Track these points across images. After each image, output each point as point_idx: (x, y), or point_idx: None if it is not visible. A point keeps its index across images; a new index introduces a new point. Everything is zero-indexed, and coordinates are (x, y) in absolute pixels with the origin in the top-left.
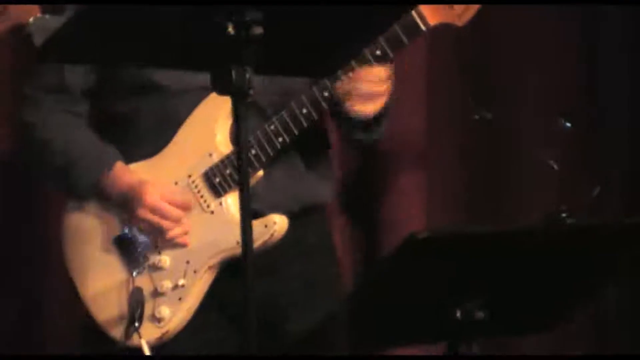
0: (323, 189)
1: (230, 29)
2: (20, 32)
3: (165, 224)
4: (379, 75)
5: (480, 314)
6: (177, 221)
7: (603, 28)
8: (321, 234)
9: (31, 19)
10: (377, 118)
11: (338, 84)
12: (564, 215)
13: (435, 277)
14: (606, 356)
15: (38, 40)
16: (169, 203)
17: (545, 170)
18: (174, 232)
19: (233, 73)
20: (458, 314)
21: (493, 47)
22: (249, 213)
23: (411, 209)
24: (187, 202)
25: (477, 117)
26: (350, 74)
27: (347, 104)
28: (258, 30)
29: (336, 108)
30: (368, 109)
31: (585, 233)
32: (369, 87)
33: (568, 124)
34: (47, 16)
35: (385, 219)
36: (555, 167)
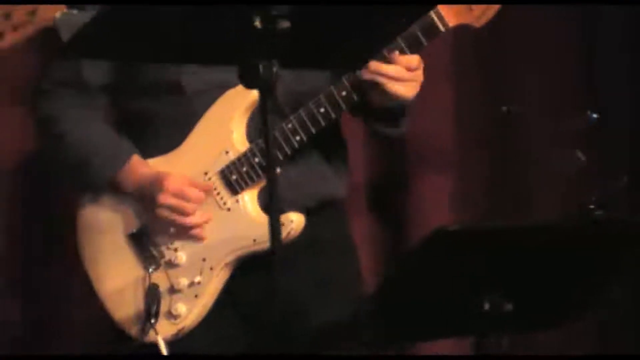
0: (339, 184)
1: (257, 23)
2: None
3: (187, 206)
4: (411, 63)
5: (508, 306)
6: (199, 202)
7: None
8: (338, 229)
9: (58, 14)
10: (401, 110)
11: (366, 69)
12: (592, 207)
13: (462, 270)
14: (608, 356)
15: (65, 35)
16: (190, 184)
17: (566, 169)
18: (195, 218)
19: (260, 67)
20: (486, 307)
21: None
22: (277, 208)
23: (436, 209)
24: (209, 185)
25: (504, 108)
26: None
27: (380, 87)
28: (285, 23)
29: (361, 100)
30: (401, 91)
31: (614, 227)
32: (401, 73)
33: (595, 115)
34: (74, 11)
35: (410, 219)
36: (582, 158)
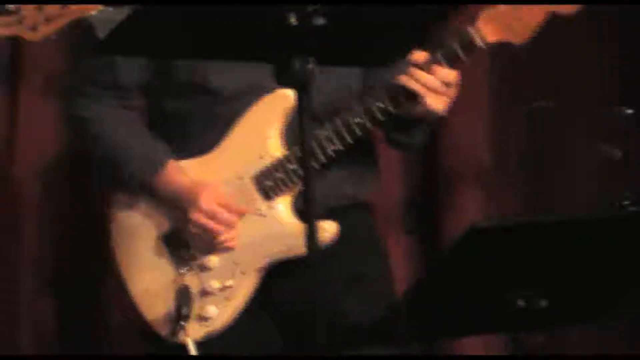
0: (369, 186)
1: (293, 20)
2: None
3: (218, 228)
4: (448, 78)
5: (543, 302)
6: (231, 226)
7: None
8: (368, 230)
9: (94, 11)
10: (420, 122)
11: (405, 77)
12: (627, 203)
13: (496, 266)
14: (608, 356)
15: (101, 32)
16: (224, 207)
17: (601, 164)
18: (225, 236)
19: (296, 64)
20: (521, 303)
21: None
22: (313, 215)
23: (468, 205)
24: (242, 209)
25: (538, 104)
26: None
27: (419, 98)
28: (320, 20)
29: (396, 109)
30: (433, 104)
31: None
32: (437, 85)
33: (630, 111)
34: (110, 8)
35: (446, 233)
36: (618, 154)
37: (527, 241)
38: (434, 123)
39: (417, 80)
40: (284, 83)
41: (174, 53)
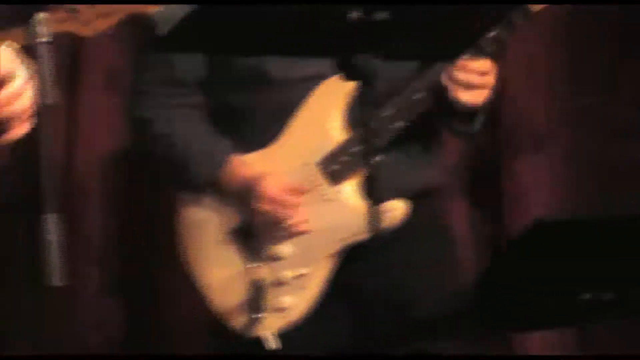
0: (435, 172)
1: (355, 14)
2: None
3: (285, 213)
4: (482, 68)
5: (609, 296)
6: (296, 208)
7: None
8: (435, 218)
9: (157, 8)
10: (474, 111)
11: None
12: None
13: (562, 259)
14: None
15: (163, 29)
16: (287, 191)
17: None
18: (294, 220)
19: (358, 58)
20: (587, 297)
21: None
22: (378, 197)
23: (535, 191)
24: (304, 187)
25: (583, 101)
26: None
27: (451, 91)
28: (383, 15)
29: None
30: (467, 98)
31: None
32: (470, 78)
33: None
34: (173, 5)
35: (510, 204)
36: None
37: (590, 235)
38: (486, 111)
39: (450, 78)
40: (348, 77)
41: (235, 49)
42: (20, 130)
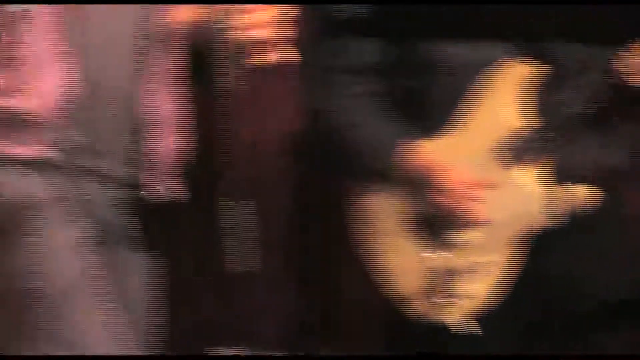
0: (615, 157)
1: None
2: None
3: (467, 207)
4: None
5: None
6: (478, 201)
7: None
8: (618, 204)
9: None
10: None
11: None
12: None
13: None
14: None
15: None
16: (472, 185)
17: None
18: (476, 213)
19: (531, 45)
20: None
21: None
22: (559, 182)
23: None
24: (488, 180)
25: None
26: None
27: (626, 75)
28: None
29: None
30: None
31: None
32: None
33: None
34: None
35: None
36: None
37: None
38: None
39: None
40: (523, 61)
41: (411, 34)
42: (270, 57)
